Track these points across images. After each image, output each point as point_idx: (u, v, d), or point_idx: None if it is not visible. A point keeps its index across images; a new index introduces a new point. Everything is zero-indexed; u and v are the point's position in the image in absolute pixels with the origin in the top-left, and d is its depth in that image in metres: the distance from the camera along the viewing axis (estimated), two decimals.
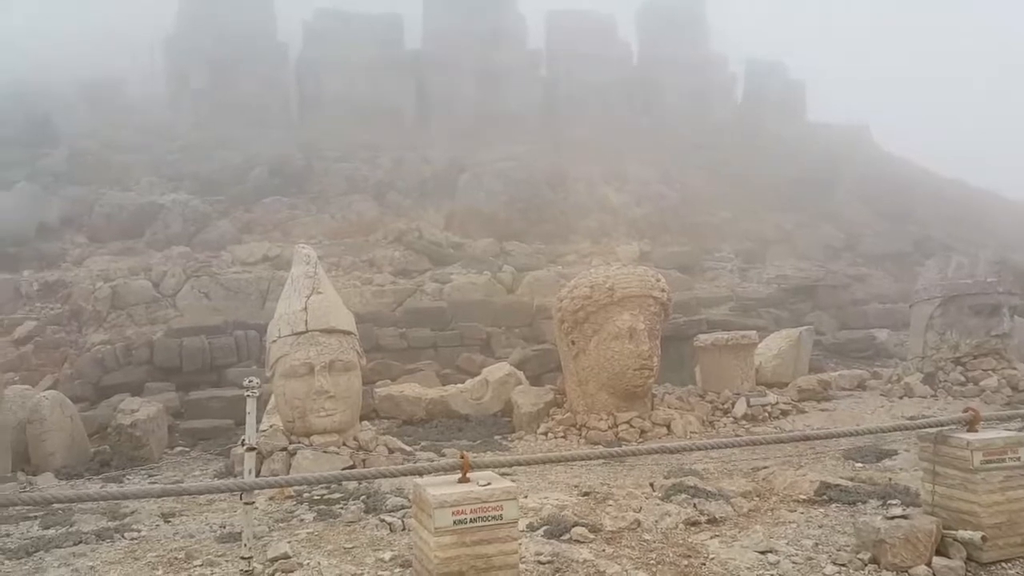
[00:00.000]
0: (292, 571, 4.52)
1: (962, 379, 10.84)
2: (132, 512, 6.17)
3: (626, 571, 4.26)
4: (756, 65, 38.11)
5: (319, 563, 4.60)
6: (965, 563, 4.12)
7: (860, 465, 6.69)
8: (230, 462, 8.01)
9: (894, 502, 5.22)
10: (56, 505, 6.21)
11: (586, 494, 5.95)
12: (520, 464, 4.73)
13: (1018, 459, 4.30)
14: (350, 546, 4.94)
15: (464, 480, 3.68)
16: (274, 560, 4.69)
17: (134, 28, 33.91)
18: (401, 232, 20.76)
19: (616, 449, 4.43)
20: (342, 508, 5.86)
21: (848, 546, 4.50)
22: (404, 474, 4.20)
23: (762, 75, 37.68)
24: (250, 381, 3.83)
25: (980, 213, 31.54)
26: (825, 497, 5.51)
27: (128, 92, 31.43)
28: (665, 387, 10.51)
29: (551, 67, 35.06)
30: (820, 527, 4.95)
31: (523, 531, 4.92)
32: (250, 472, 3.83)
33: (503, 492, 3.58)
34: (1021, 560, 4.21)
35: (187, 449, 10.18)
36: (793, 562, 4.34)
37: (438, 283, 17.52)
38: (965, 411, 4.53)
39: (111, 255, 19.41)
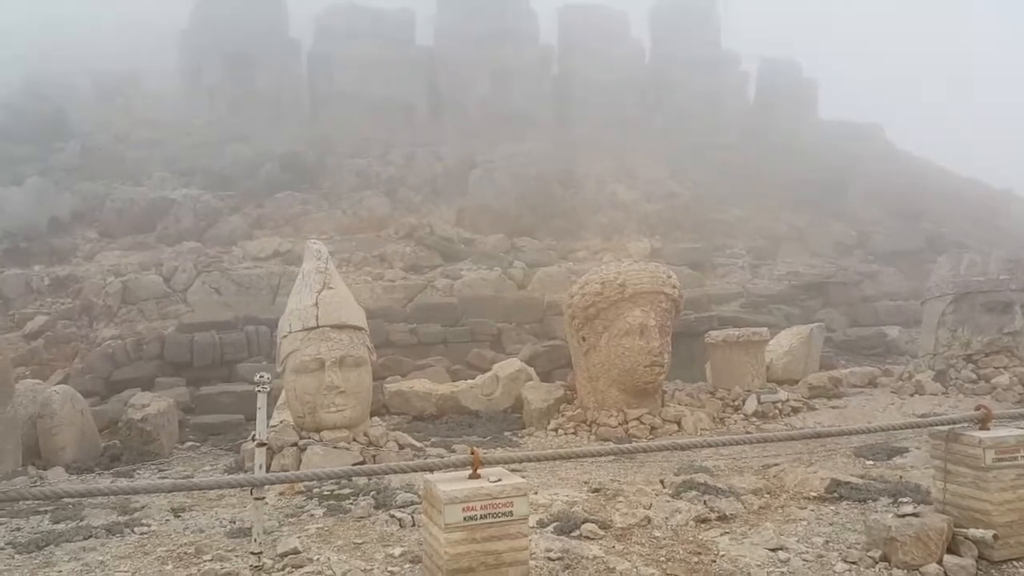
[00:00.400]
0: (302, 566, 4.53)
1: (973, 376, 10.76)
2: (142, 507, 6.20)
3: (636, 568, 4.25)
4: (768, 63, 37.95)
5: (328, 558, 4.61)
6: (976, 561, 4.09)
7: (871, 463, 6.65)
8: (240, 457, 8.04)
9: (905, 500, 5.18)
10: (66, 500, 6.25)
11: (596, 491, 5.94)
12: (530, 460, 4.72)
13: None
14: (360, 541, 4.94)
15: (475, 476, 3.67)
16: (284, 555, 4.70)
17: (148, 23, 34.11)
18: (412, 228, 20.79)
19: (626, 446, 4.42)
20: (352, 504, 5.86)
21: (859, 544, 4.47)
22: (414, 470, 4.20)
23: (774, 73, 37.52)
24: (261, 376, 3.84)
25: (994, 211, 31.33)
26: (836, 494, 5.48)
27: (141, 87, 31.57)
28: (676, 384, 10.48)
29: (563, 64, 35.02)
30: (831, 525, 4.92)
31: (533, 527, 4.91)
32: (260, 467, 3.84)
33: (513, 488, 3.58)
34: None
35: (197, 444, 10.22)
36: (803, 560, 4.31)
37: (449, 279, 17.54)
38: (977, 409, 4.49)
39: (122, 250, 19.54)
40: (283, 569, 4.51)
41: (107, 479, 7.92)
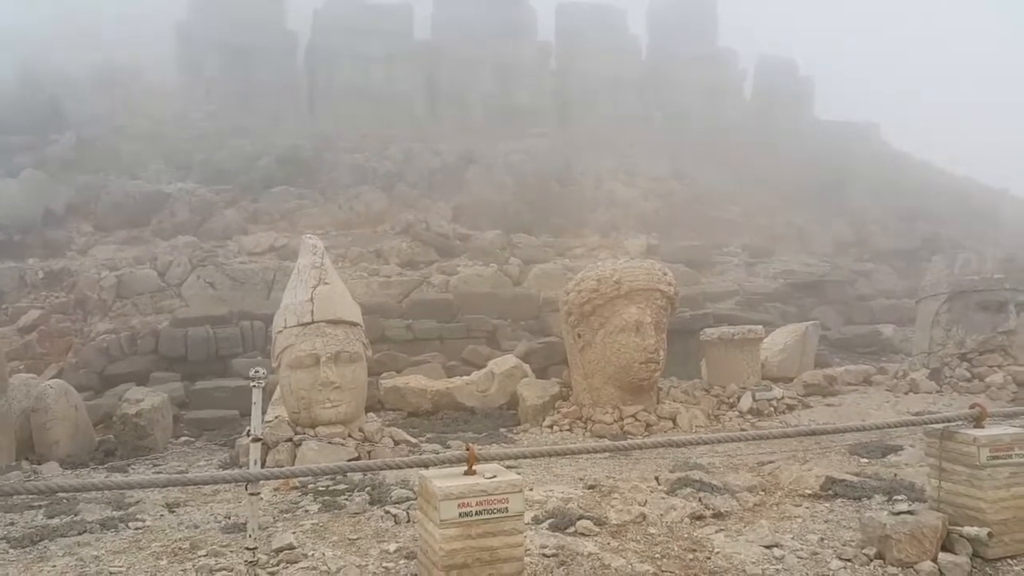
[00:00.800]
0: (296, 562, 4.53)
1: (967, 375, 10.82)
2: (137, 502, 6.18)
3: (631, 564, 4.25)
4: (766, 61, 37.99)
5: (323, 554, 4.60)
6: (971, 559, 4.10)
7: (865, 460, 6.67)
8: (235, 452, 8.03)
9: (900, 497, 5.19)
10: (61, 494, 6.23)
11: (591, 487, 5.94)
12: (526, 457, 4.72)
13: None
14: (355, 537, 4.94)
15: (470, 472, 3.67)
16: (279, 551, 4.69)
17: (145, 14, 33.92)
18: (409, 223, 20.75)
19: (622, 443, 4.42)
20: (347, 499, 5.85)
21: (853, 541, 4.48)
22: (410, 466, 4.19)
23: (772, 72, 37.59)
24: (256, 371, 3.82)
25: (990, 211, 31.42)
26: (830, 492, 5.49)
27: (139, 79, 31.40)
28: (671, 381, 10.49)
29: (561, 60, 34.98)
30: (825, 522, 4.93)
31: (528, 524, 4.91)
32: (255, 463, 3.83)
33: (509, 485, 3.57)
34: None
35: (192, 439, 10.19)
36: (798, 557, 4.32)
37: (445, 275, 17.52)
38: (972, 407, 4.50)
39: (117, 244, 19.46)
40: (278, 565, 4.50)
41: (101, 474, 7.89)
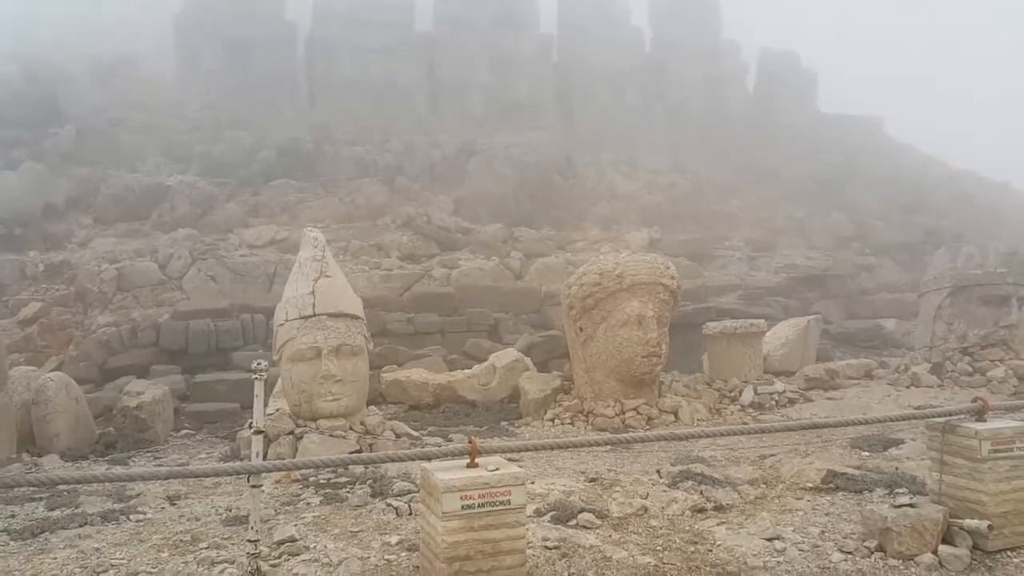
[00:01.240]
0: (298, 554, 4.53)
1: (969, 369, 10.81)
2: (138, 495, 6.19)
3: (632, 557, 4.25)
4: (769, 54, 37.84)
5: (325, 546, 4.61)
6: (971, 551, 4.11)
7: (867, 454, 6.67)
8: (236, 445, 8.03)
9: (901, 491, 5.19)
10: (62, 487, 6.24)
11: (593, 480, 5.94)
12: (528, 450, 4.72)
13: None
14: (356, 530, 4.94)
15: (472, 465, 3.66)
16: (280, 543, 4.70)
17: (143, 6, 33.79)
18: (410, 217, 20.72)
19: (623, 436, 4.42)
20: (349, 492, 5.86)
21: (854, 534, 4.49)
22: (412, 459, 4.19)
23: (774, 64, 37.42)
24: (258, 364, 3.82)
25: (992, 204, 31.35)
26: (832, 485, 5.50)
27: (137, 71, 31.30)
28: (673, 375, 10.50)
29: (563, 52, 34.84)
30: (827, 515, 4.93)
31: (530, 516, 4.92)
32: (257, 455, 3.82)
33: (511, 477, 3.57)
34: None
35: (193, 432, 10.20)
36: (799, 549, 4.32)
37: (446, 268, 17.50)
38: (974, 400, 4.50)
39: (117, 236, 19.43)
40: (280, 557, 4.50)
41: (102, 467, 7.90)
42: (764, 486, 5.66)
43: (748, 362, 10.51)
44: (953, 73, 74.56)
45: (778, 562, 4.16)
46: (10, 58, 28.37)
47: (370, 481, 6.06)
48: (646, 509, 5.09)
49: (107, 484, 6.11)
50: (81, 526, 5.29)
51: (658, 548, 4.42)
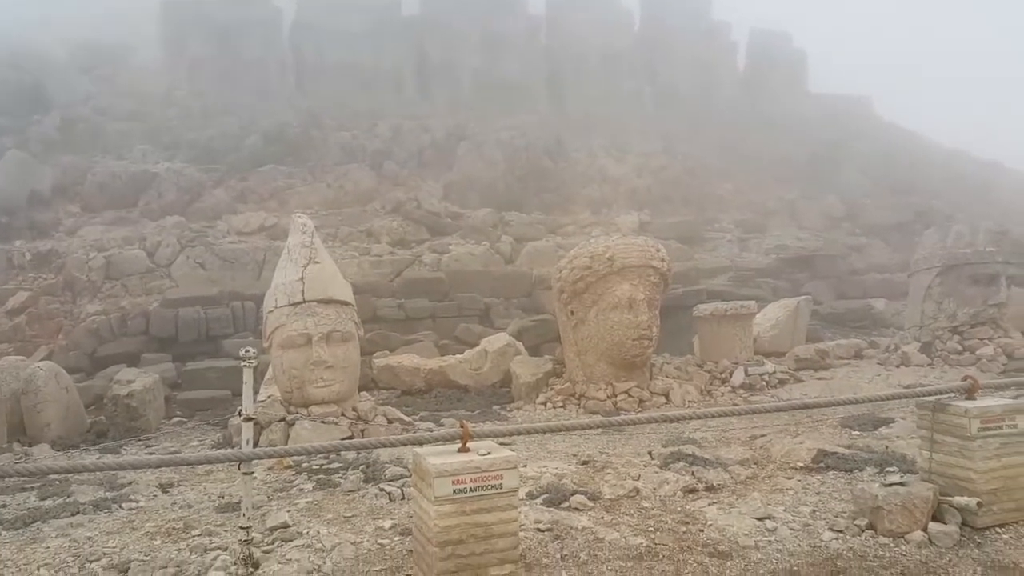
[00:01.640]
0: (291, 540, 4.53)
1: (959, 348, 10.88)
2: (130, 483, 6.17)
3: (624, 538, 4.27)
4: (759, 34, 37.70)
5: (318, 532, 4.61)
6: (960, 528, 4.15)
7: (857, 433, 6.71)
8: (228, 432, 8.01)
9: (891, 469, 5.23)
10: (53, 476, 6.21)
11: (585, 463, 5.96)
12: (519, 433, 4.72)
13: (1015, 426, 4.31)
14: (349, 515, 4.94)
15: (464, 450, 3.66)
16: (273, 529, 4.70)
17: None
18: (399, 202, 20.62)
19: (615, 418, 4.42)
20: (341, 478, 5.86)
21: (845, 513, 4.52)
22: (404, 444, 4.18)
23: (765, 44, 37.29)
24: (246, 351, 3.79)
25: (982, 184, 31.44)
26: (822, 464, 5.53)
27: (123, 58, 30.93)
28: (664, 357, 10.52)
29: (551, 34, 34.61)
30: (817, 494, 4.96)
31: (522, 500, 4.93)
32: (248, 442, 3.81)
33: (503, 461, 3.57)
34: (1015, 525, 4.25)
35: (184, 420, 10.17)
36: (791, 529, 4.35)
37: (436, 253, 17.45)
38: (964, 379, 4.52)
39: (104, 224, 19.27)
40: (273, 543, 4.50)
41: (93, 455, 7.87)
42: (755, 466, 5.69)
43: (738, 343, 10.54)
44: (943, 51, 74.58)
45: (769, 541, 4.19)
46: None
47: (363, 466, 6.06)
48: (638, 491, 5.11)
49: (99, 473, 6.09)
50: (73, 515, 5.28)
51: (650, 529, 4.44)
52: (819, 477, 5.32)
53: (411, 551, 4.09)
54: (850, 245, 21.57)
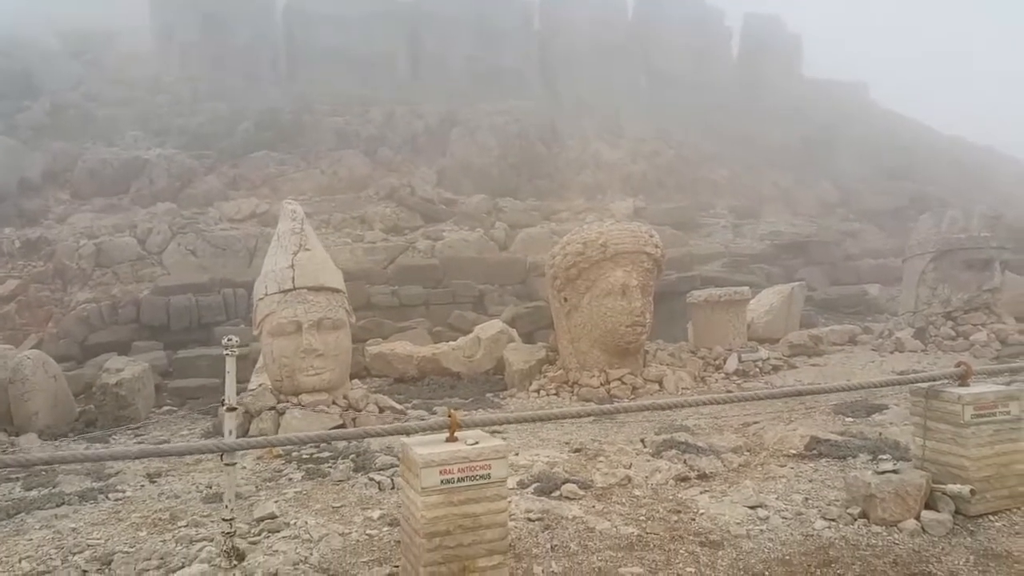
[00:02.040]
0: (278, 531, 4.47)
1: (952, 334, 10.86)
2: (117, 473, 6.10)
3: (616, 527, 4.23)
4: (753, 19, 37.49)
5: (306, 522, 4.55)
6: (953, 516, 4.10)
7: (850, 420, 6.68)
8: (218, 421, 7.94)
9: (884, 456, 5.19)
10: (38, 467, 6.13)
11: (577, 451, 5.92)
12: (508, 423, 4.66)
13: (1008, 413, 4.26)
14: (338, 505, 4.89)
15: (452, 439, 3.59)
16: (261, 520, 4.64)
17: None
18: (393, 188, 20.49)
19: (606, 407, 4.36)
20: (331, 467, 5.81)
21: (838, 501, 4.48)
22: (391, 433, 4.11)
23: (759, 30, 37.10)
24: (229, 339, 3.70)
25: (978, 169, 31.42)
26: (815, 452, 5.49)
27: (113, 44, 30.61)
28: (657, 343, 10.47)
29: (544, 20, 34.37)
30: (810, 482, 4.93)
31: (513, 488, 4.88)
32: (231, 433, 3.73)
33: (491, 451, 3.50)
34: (1008, 513, 4.21)
35: (175, 408, 10.10)
36: (783, 517, 4.31)
37: (430, 240, 17.36)
38: (957, 365, 4.47)
39: (95, 212, 19.11)
40: (260, 534, 4.44)
41: (81, 445, 7.80)
42: (747, 454, 5.65)
43: (732, 330, 10.51)
44: (939, 36, 74.33)
45: (761, 530, 4.15)
46: None
47: (352, 455, 6.01)
48: (630, 479, 5.07)
49: (85, 463, 6.02)
50: (58, 506, 5.22)
51: (641, 518, 4.39)
52: (812, 465, 5.29)
53: (399, 542, 4.04)
54: (844, 231, 21.54)
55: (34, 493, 5.64)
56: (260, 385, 8.37)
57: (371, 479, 5.40)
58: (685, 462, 5.31)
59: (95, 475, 6.04)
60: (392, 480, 5.24)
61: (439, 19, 32.10)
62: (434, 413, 8.23)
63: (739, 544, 3.98)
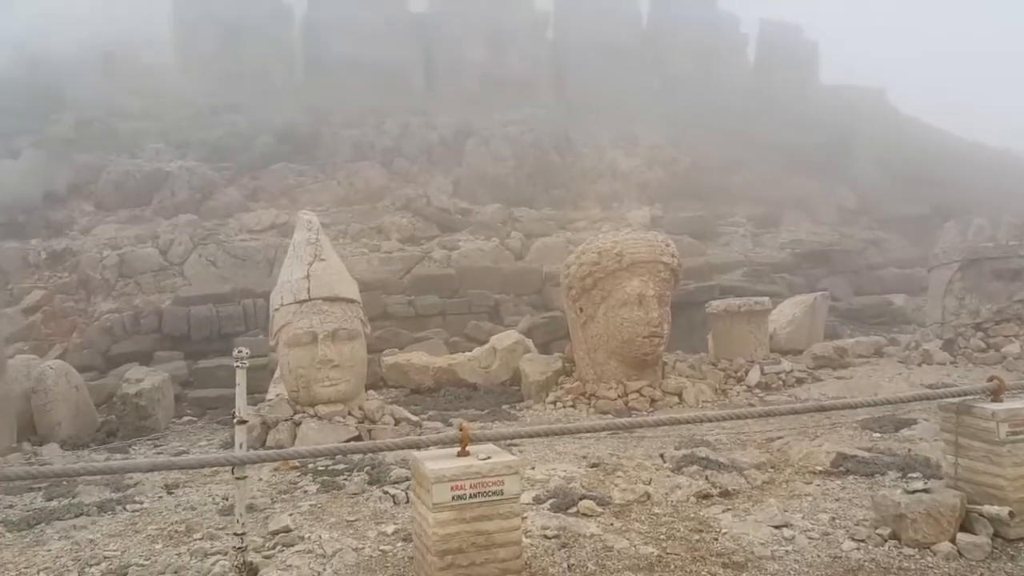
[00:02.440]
0: (292, 545, 4.42)
1: (983, 345, 10.58)
2: (135, 483, 6.09)
3: (634, 546, 4.11)
4: (769, 25, 37.24)
5: (320, 536, 4.49)
6: (992, 539, 3.91)
7: (878, 435, 6.50)
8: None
9: (915, 475, 5.03)
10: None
11: (595, 465, 5.80)
12: (520, 437, 4.57)
13: None
14: (352, 519, 4.83)
15: (463, 453, 3.51)
16: (275, 533, 4.60)
17: None
18: (409, 199, 20.53)
19: (624, 421, 4.26)
20: (346, 479, 5.75)
21: (867, 520, 4.32)
22: (401, 447, 4.04)
23: (775, 36, 36.82)
24: (239, 351, 3.66)
25: (999, 175, 30.87)
26: (842, 469, 5.34)
27: (134, 58, 31.04)
28: (676, 355, 10.32)
29: (559, 29, 34.37)
30: (837, 500, 4.78)
31: (529, 504, 4.78)
32: (241, 445, 3.69)
33: (504, 466, 3.42)
34: None
35: (194, 419, 10.12)
36: (809, 537, 4.17)
37: (446, 250, 17.35)
38: (990, 379, 4.31)
39: (119, 223, 19.32)
40: (273, 548, 4.39)
41: (102, 455, 7.82)
42: (771, 470, 5.51)
43: (754, 341, 10.33)
44: (958, 41, 73.34)
45: (787, 551, 4.01)
46: (10, 47, 28.15)
47: (367, 468, 5.95)
48: (649, 496, 4.95)
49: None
50: (77, 516, 5.23)
51: (661, 537, 4.27)
52: (839, 482, 5.13)
53: (412, 559, 3.97)
54: (866, 239, 21.22)
55: (54, 503, 5.66)
56: (278, 396, 8.35)
57: (385, 492, 5.34)
58: (707, 478, 5.18)
59: (114, 486, 6.04)
60: (407, 494, 5.17)
61: (453, 29, 32.19)
62: (449, 424, 8.16)
63: (764, 566, 3.85)
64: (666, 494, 4.97)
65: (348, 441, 6.91)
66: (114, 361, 12.87)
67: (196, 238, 17.04)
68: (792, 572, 3.77)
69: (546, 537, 4.25)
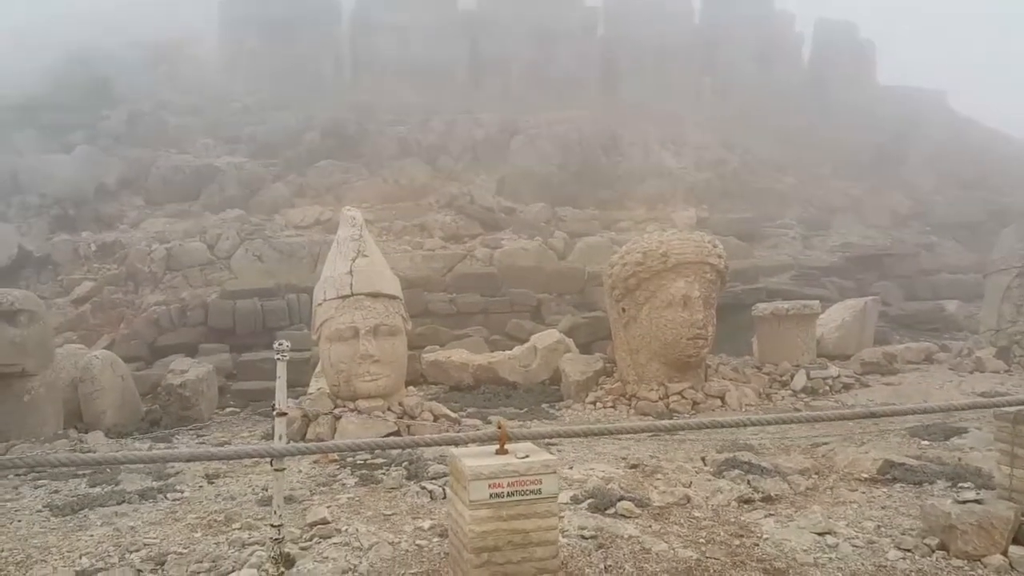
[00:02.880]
0: (329, 537, 4.44)
1: None
2: (177, 472, 6.20)
3: (673, 550, 4.04)
4: (824, 24, 36.42)
5: (357, 529, 4.51)
6: None
7: (927, 443, 6.29)
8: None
9: (965, 484, 4.85)
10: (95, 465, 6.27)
11: (634, 467, 5.73)
12: (561, 436, 4.53)
13: None
14: (389, 513, 4.84)
15: (502, 452, 3.49)
16: (312, 525, 4.63)
17: None
18: (452, 197, 20.62)
19: (665, 422, 4.18)
20: (384, 474, 5.78)
21: (914, 530, 4.19)
22: (440, 443, 4.03)
23: (831, 35, 35.96)
24: (280, 344, 3.69)
25: None
26: (889, 476, 5.19)
27: (184, 54, 31.77)
28: (720, 358, 10.17)
29: (609, 26, 34.07)
30: (883, 508, 4.64)
31: (567, 503, 4.74)
32: (281, 437, 3.71)
33: (542, 465, 3.39)
34: None
35: (238, 410, 10.30)
36: (853, 545, 4.05)
37: (489, 248, 17.37)
38: None
39: (167, 217, 19.81)
40: (310, 540, 4.42)
41: (145, 444, 7.99)
42: (816, 476, 5.37)
43: (800, 345, 10.11)
44: (1016, 40, 70.82)
45: (830, 559, 3.90)
46: (61, 45, 29.04)
47: (406, 463, 5.96)
48: (689, 499, 4.86)
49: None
50: (119, 503, 5.32)
51: (701, 541, 4.19)
52: (885, 490, 4.98)
53: (447, 554, 3.95)
54: (920, 243, 20.63)
55: (98, 490, 5.77)
56: (319, 389, 8.45)
57: (423, 487, 5.34)
58: (748, 483, 5.07)
59: (156, 474, 6.15)
60: (444, 490, 5.16)
61: (500, 26, 32.14)
62: (488, 422, 8.14)
63: (806, 573, 3.75)
64: (707, 498, 4.88)
65: (387, 436, 6.95)
66: (160, 352, 13.19)
67: (243, 233, 17.37)
68: None
69: (583, 537, 4.21)
